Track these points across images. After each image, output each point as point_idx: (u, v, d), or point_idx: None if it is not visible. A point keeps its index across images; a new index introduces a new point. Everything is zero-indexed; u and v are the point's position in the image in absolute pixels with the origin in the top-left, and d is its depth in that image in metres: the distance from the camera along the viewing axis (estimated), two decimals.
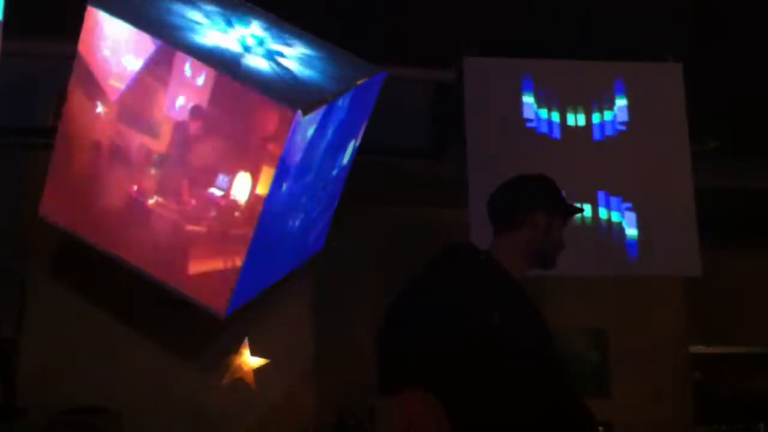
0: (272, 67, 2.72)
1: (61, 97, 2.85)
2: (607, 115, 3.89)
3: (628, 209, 3.81)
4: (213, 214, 2.64)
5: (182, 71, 2.55)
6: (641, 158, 3.85)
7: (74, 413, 4.00)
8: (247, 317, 3.98)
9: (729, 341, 5.20)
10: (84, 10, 2.60)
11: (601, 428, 4.02)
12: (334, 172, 3.20)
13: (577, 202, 3.73)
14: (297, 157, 2.64)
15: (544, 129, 3.85)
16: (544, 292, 4.71)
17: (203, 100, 2.57)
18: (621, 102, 3.90)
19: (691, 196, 3.81)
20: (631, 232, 3.78)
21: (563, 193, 2.20)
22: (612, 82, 3.93)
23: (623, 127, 3.87)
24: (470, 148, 3.73)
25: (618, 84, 3.93)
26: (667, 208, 3.81)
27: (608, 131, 3.88)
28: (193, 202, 2.66)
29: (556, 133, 3.86)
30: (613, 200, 3.82)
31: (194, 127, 2.61)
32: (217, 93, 2.54)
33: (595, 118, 3.88)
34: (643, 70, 3.94)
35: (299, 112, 2.47)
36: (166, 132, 2.63)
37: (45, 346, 4.20)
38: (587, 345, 4.95)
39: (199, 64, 2.54)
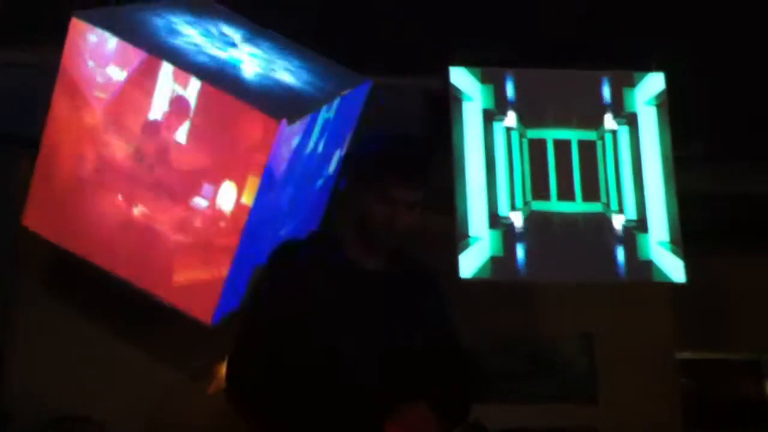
0: (257, 76, 2.73)
1: (46, 106, 2.84)
2: (592, 123, 3.92)
3: (614, 216, 3.83)
4: (198, 223, 2.64)
5: (167, 81, 2.56)
6: (626, 165, 3.89)
7: (61, 421, 3.98)
8: (234, 326, 3.95)
9: (717, 347, 5.22)
10: (68, 20, 2.61)
11: None
12: (320, 182, 3.20)
13: (564, 207, 3.78)
14: (282, 166, 2.65)
15: (531, 136, 3.88)
16: (532, 297, 4.74)
17: (188, 110, 2.57)
18: (606, 110, 3.93)
19: (675, 203, 3.85)
20: (617, 238, 3.81)
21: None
22: (597, 91, 3.96)
23: (608, 135, 3.91)
24: (455, 157, 3.76)
25: (603, 92, 3.97)
26: (652, 214, 3.84)
27: (593, 138, 3.91)
28: (179, 211, 2.66)
29: (544, 140, 3.88)
30: (599, 207, 3.84)
31: (179, 137, 2.61)
32: (202, 103, 2.55)
33: (580, 125, 3.91)
34: (627, 78, 3.98)
35: (284, 121, 2.47)
36: (150, 142, 2.63)
37: (31, 354, 4.18)
38: (575, 350, 4.95)
39: (184, 74, 2.55)
